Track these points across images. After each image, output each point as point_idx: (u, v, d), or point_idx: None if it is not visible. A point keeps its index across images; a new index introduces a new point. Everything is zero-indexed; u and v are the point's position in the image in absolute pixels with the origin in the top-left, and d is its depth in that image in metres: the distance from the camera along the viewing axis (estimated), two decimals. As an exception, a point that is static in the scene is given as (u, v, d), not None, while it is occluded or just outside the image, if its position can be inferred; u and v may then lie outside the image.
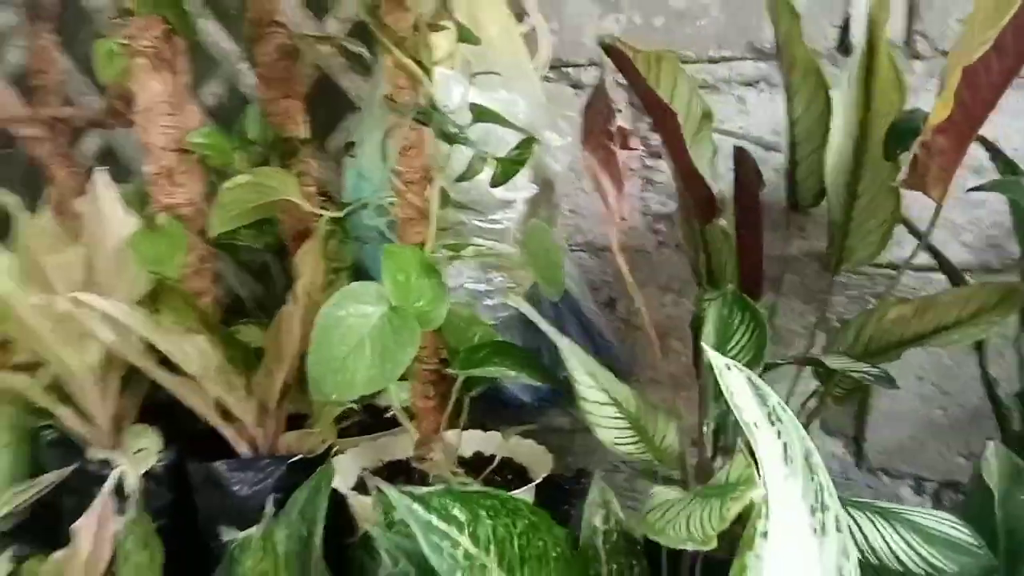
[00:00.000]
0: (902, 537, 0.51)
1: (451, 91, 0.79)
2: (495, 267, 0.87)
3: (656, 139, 0.99)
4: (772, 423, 0.50)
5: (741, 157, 0.66)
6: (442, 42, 0.76)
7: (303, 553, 0.66)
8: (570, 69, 1.04)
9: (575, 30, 1.02)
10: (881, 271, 0.95)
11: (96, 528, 0.67)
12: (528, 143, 0.71)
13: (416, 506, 0.50)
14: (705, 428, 0.69)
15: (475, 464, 0.81)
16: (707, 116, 0.69)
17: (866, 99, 0.71)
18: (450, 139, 0.69)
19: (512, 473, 0.80)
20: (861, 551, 0.51)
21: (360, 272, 0.84)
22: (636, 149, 0.87)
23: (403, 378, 0.75)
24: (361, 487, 0.74)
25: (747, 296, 0.70)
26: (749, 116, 0.95)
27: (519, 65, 0.92)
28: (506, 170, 0.71)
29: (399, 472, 0.78)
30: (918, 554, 0.50)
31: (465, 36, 0.71)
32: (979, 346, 0.81)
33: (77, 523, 0.68)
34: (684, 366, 0.96)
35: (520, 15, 0.98)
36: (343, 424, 0.85)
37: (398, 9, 0.65)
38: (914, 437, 1.00)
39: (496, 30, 0.91)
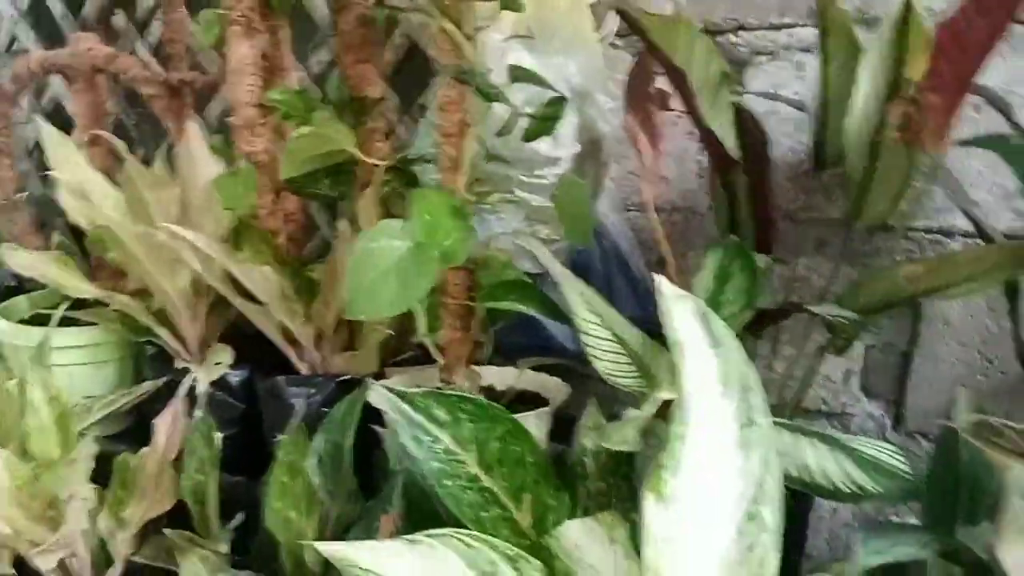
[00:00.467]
0: (836, 460, 0.54)
1: (504, 55, 0.87)
2: (542, 220, 0.94)
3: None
4: (713, 346, 0.54)
5: (744, 119, 0.70)
6: (495, 10, 0.84)
7: (336, 455, 0.75)
8: (636, 37, 1.09)
9: (643, 1, 1.07)
10: (931, 236, 0.95)
11: (171, 425, 0.80)
12: (558, 102, 0.77)
13: (401, 403, 0.58)
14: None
15: (504, 397, 0.88)
16: (725, 77, 0.73)
17: (897, 62, 0.73)
18: (488, 97, 0.76)
19: (537, 405, 0.87)
20: (797, 469, 0.55)
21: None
22: (674, 110, 0.90)
23: (437, 313, 0.85)
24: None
25: (758, 249, 0.74)
26: (805, 81, 0.97)
27: (582, 33, 0.98)
28: (538, 127, 0.77)
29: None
30: (848, 475, 0.53)
31: (507, 4, 0.78)
32: (1014, 313, 0.81)
33: (155, 420, 0.80)
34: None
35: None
36: (400, 357, 0.95)
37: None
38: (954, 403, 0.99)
39: (565, 2, 0.97)
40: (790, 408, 0.81)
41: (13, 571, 0.79)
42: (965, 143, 0.65)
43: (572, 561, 0.59)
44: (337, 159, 0.82)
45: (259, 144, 0.81)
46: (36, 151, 1.37)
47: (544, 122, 0.77)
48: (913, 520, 0.89)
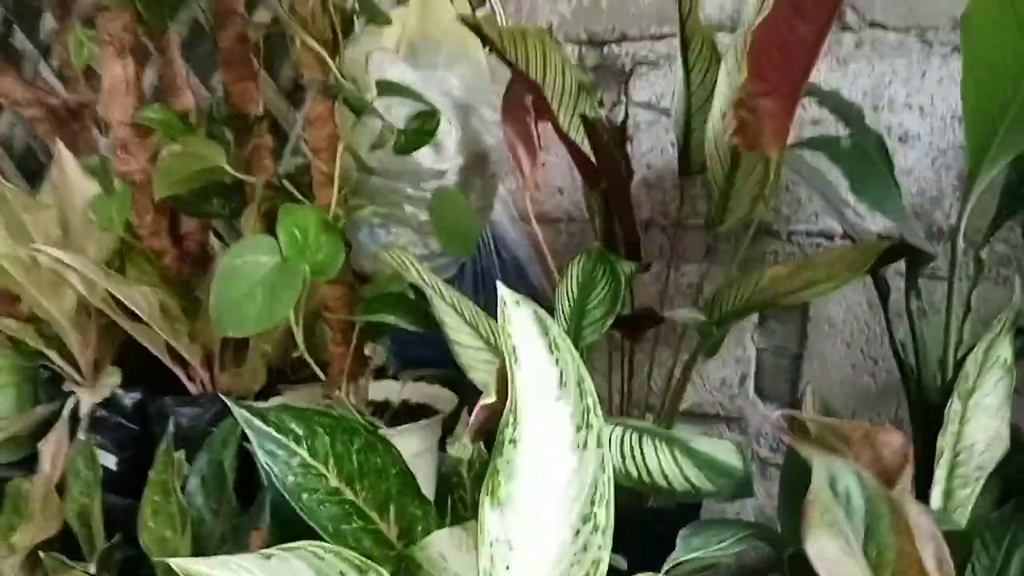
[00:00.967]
0: (675, 459, 0.56)
1: (384, 70, 0.88)
2: (432, 233, 0.95)
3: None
4: (551, 351, 0.56)
5: (595, 130, 0.72)
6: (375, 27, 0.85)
7: (218, 473, 0.76)
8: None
9: (532, 12, 1.09)
10: (813, 239, 0.98)
11: (55, 448, 0.79)
12: (426, 115, 0.78)
13: (254, 418, 0.59)
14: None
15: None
16: (584, 88, 0.75)
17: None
18: (356, 111, 0.77)
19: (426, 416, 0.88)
20: (637, 469, 0.57)
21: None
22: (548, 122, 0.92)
23: (315, 329, 0.86)
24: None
25: (628, 256, 0.76)
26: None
27: (466, 47, 0.99)
28: (409, 140, 0.79)
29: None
30: (684, 474, 0.55)
31: (373, 19, 0.79)
32: (886, 312, 0.84)
33: (40, 444, 0.80)
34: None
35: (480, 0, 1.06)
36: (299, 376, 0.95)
37: (303, -4, 0.74)
38: (845, 404, 1.02)
39: (449, 16, 0.99)
40: (665, 413, 0.83)
41: None
42: (796, 145, 0.67)
43: (437, 570, 0.60)
44: (215, 176, 0.83)
45: (134, 163, 0.81)
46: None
47: (416, 135, 0.78)
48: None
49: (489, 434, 0.61)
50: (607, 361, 0.90)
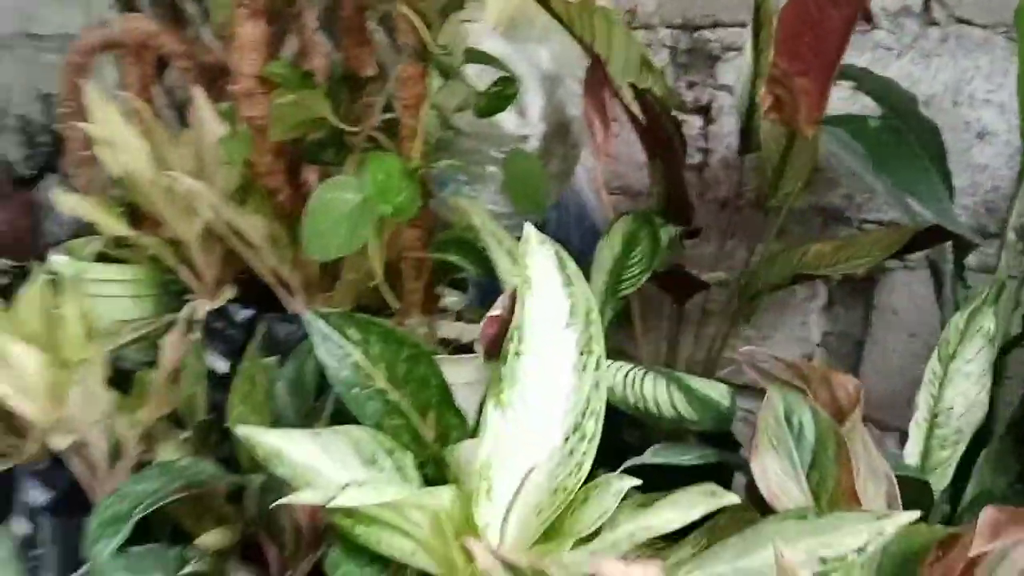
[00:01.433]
0: (669, 392, 0.63)
1: (480, 41, 0.98)
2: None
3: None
4: (565, 285, 0.64)
5: (643, 101, 0.78)
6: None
7: (299, 377, 0.88)
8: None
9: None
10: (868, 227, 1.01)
11: (173, 345, 0.94)
12: (506, 81, 0.87)
13: (319, 320, 0.70)
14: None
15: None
16: (647, 64, 0.82)
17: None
18: (445, 74, 0.87)
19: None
20: (634, 396, 0.64)
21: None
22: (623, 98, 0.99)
23: (398, 266, 0.96)
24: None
25: (674, 221, 0.82)
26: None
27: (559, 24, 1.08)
28: (488, 104, 0.88)
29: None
30: (673, 403, 0.62)
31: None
32: (940, 301, 0.86)
33: (161, 340, 0.95)
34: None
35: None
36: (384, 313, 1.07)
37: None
38: (903, 392, 1.03)
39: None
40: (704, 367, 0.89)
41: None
42: (823, 122, 0.71)
43: (462, 472, 0.69)
44: (321, 127, 0.95)
45: (257, 111, 0.95)
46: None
47: (495, 99, 0.88)
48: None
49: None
50: (657, 327, 0.96)
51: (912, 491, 0.52)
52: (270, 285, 1.02)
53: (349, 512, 0.60)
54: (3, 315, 1.01)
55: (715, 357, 0.88)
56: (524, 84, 0.97)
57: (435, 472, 0.70)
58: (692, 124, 1.12)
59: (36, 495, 1.03)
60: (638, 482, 0.55)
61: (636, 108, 0.81)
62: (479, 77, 0.94)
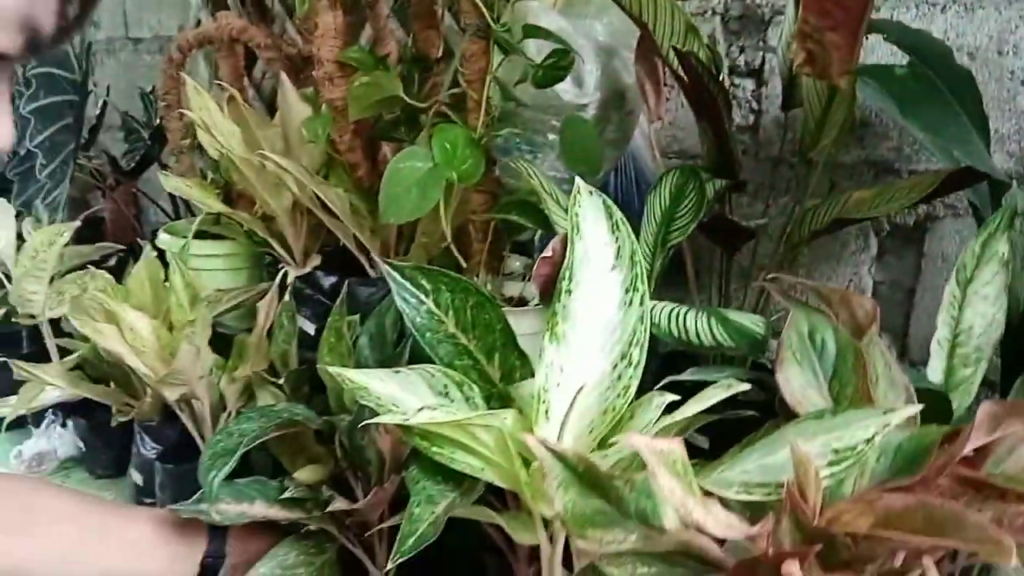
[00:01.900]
0: (710, 325, 0.69)
1: (539, 18, 1.05)
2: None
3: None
4: (612, 232, 0.71)
5: (685, 62, 0.84)
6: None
7: (380, 331, 0.97)
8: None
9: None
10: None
11: (267, 307, 1.05)
12: (560, 53, 0.94)
13: (395, 273, 0.78)
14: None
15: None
16: (691, 30, 0.87)
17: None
18: (505, 50, 0.95)
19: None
20: (679, 329, 0.70)
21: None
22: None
23: (466, 229, 1.04)
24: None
25: (718, 174, 0.88)
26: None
27: (613, 0, 1.14)
28: (545, 75, 0.95)
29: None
30: (712, 333, 0.68)
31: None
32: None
33: (259, 304, 1.06)
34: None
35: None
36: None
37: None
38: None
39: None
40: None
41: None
42: (850, 73, 0.75)
43: (524, 403, 0.77)
44: (394, 105, 1.04)
45: (337, 93, 1.04)
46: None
47: (550, 70, 0.94)
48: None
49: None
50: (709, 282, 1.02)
51: (932, 404, 0.57)
52: (352, 252, 1.11)
53: (426, 435, 0.68)
54: (117, 288, 1.14)
55: (764, 307, 0.93)
56: (581, 56, 1.04)
57: (500, 406, 0.78)
58: (745, 87, 1.17)
59: (149, 448, 1.15)
60: (677, 397, 0.61)
61: (681, 71, 0.86)
62: (539, 52, 1.01)
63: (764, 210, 1.01)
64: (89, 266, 1.24)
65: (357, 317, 1.00)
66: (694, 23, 0.88)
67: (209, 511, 0.78)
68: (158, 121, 1.76)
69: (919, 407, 0.50)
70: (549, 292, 0.70)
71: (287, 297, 1.06)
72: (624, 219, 0.71)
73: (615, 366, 0.68)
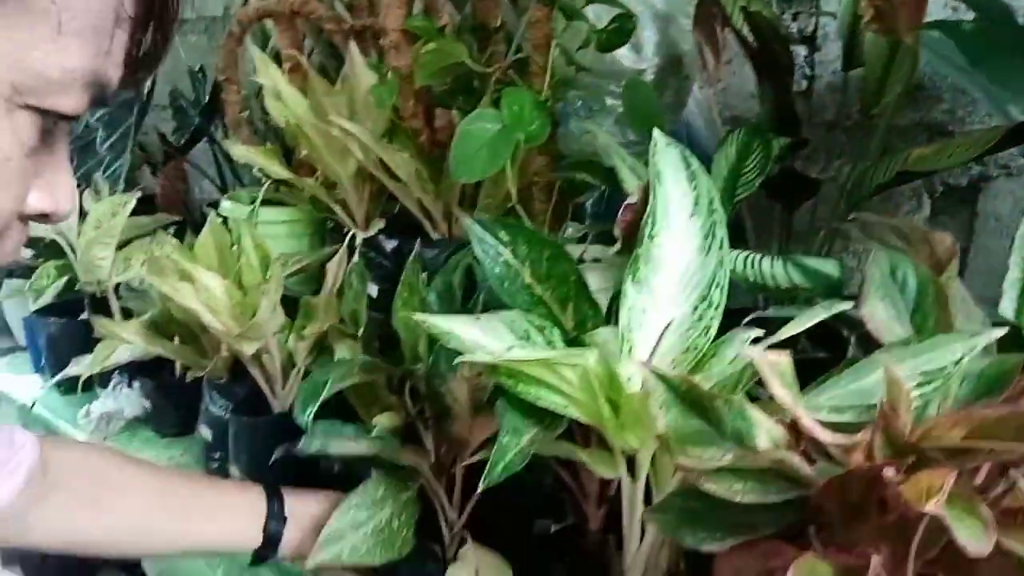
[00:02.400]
0: (785, 269, 0.72)
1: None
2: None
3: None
4: (690, 180, 0.74)
5: (751, 20, 0.86)
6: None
7: (448, 289, 1.01)
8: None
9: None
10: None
11: (336, 267, 1.09)
12: (623, 18, 0.97)
13: (475, 224, 0.82)
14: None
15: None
16: (751, -8, 0.90)
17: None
18: (568, 15, 0.98)
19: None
20: (755, 274, 0.73)
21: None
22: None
23: (530, 190, 1.08)
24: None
25: (780, 132, 0.91)
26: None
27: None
28: (608, 39, 0.98)
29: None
30: (788, 276, 0.71)
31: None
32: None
33: (327, 264, 1.10)
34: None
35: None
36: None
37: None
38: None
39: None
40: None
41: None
42: (918, 28, 0.77)
43: (601, 350, 0.80)
44: (461, 71, 1.07)
45: (402, 60, 1.07)
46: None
47: (613, 35, 0.97)
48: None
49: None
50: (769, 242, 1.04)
51: (1007, 335, 0.59)
52: (410, 217, 1.15)
53: (512, 373, 0.72)
54: (187, 251, 1.18)
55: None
56: (640, 23, 1.06)
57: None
58: (797, 53, 1.19)
59: (219, 404, 1.20)
60: (761, 332, 0.64)
61: (746, 32, 0.89)
62: (600, 19, 1.04)
63: (821, 171, 1.04)
64: (159, 230, 1.28)
65: (425, 275, 1.03)
66: (757, -15, 0.90)
67: (309, 444, 0.82)
68: (207, 98, 1.81)
69: (1004, 329, 0.53)
70: (632, 238, 0.73)
71: (356, 259, 1.10)
72: (702, 168, 0.73)
73: (695, 308, 0.70)
